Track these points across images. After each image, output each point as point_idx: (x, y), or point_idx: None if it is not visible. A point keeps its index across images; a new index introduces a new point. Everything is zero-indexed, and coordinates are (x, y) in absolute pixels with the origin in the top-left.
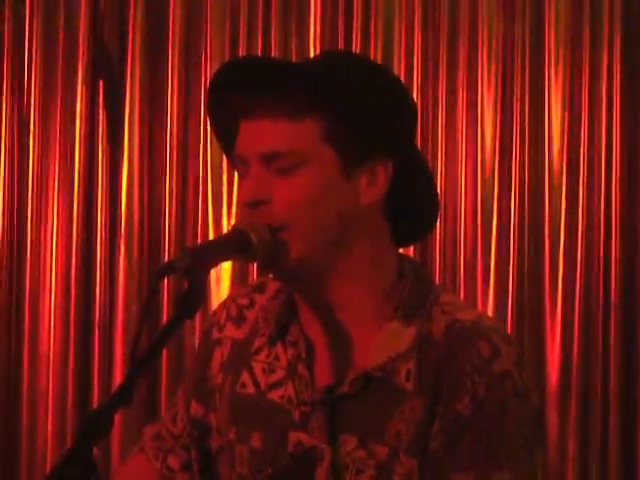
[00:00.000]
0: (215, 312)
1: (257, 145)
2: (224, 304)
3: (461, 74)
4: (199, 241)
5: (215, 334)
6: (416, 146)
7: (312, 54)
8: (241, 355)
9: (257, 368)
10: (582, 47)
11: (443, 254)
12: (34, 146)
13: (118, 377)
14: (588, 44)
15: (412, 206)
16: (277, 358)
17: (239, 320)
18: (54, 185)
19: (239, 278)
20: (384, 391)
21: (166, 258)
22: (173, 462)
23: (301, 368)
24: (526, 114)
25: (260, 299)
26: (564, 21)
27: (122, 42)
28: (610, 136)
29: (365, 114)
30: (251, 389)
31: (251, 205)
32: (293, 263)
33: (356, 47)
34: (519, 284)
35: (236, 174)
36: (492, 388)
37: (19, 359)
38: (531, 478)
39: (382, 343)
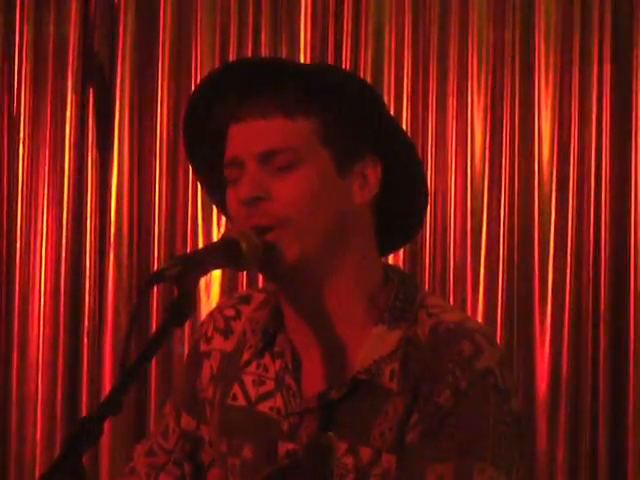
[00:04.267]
0: (202, 324)
1: (254, 144)
2: (210, 316)
3: (451, 82)
4: (189, 249)
5: (203, 347)
6: (408, 150)
7: (302, 60)
8: (230, 367)
9: (247, 380)
10: (572, 55)
11: (433, 263)
12: (24, 153)
13: (107, 384)
14: (578, 52)
15: (397, 211)
16: (266, 369)
17: (226, 332)
18: (44, 192)
19: (229, 286)
20: (371, 394)
21: (156, 265)
22: None
23: (288, 379)
24: (516, 122)
25: (246, 310)
26: (554, 29)
27: (112, 50)
28: (600, 144)
29: (356, 115)
30: (242, 401)
31: (249, 202)
32: (289, 263)
33: (346, 54)
34: (508, 292)
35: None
36: (474, 383)
37: (8, 365)
38: (509, 475)
39: (368, 347)
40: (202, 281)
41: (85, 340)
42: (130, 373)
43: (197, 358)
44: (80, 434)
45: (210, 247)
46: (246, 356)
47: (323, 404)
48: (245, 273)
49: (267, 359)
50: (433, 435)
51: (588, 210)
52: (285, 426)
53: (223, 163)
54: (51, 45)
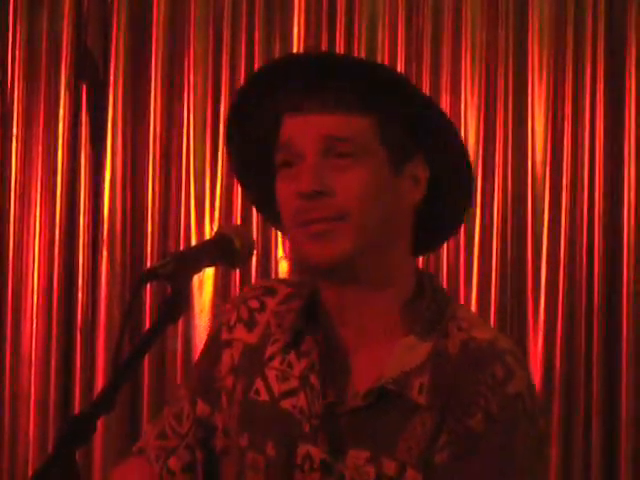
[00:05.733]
0: (224, 312)
1: (315, 132)
2: (234, 305)
3: (444, 81)
4: (182, 246)
5: (224, 335)
6: (459, 154)
7: None
8: (254, 360)
9: (270, 375)
10: (565, 55)
11: (426, 259)
12: (17, 150)
13: (100, 380)
14: (571, 53)
15: (439, 214)
16: (290, 366)
17: (251, 324)
18: (37, 189)
19: (222, 284)
20: (397, 405)
21: (148, 262)
22: (174, 464)
23: (313, 379)
24: (509, 121)
25: (271, 303)
26: (547, 28)
27: (105, 47)
28: (593, 143)
29: (411, 114)
30: (265, 396)
31: (310, 196)
32: (341, 256)
33: (339, 51)
34: (501, 289)
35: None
36: (505, 407)
37: (1, 361)
38: None
39: (398, 357)
40: (195, 278)
41: (78, 336)
42: (123, 370)
43: (217, 346)
44: (73, 431)
45: (203, 244)
46: (270, 351)
47: (348, 410)
48: (238, 271)
49: (293, 356)
50: (463, 459)
51: (581, 208)
52: (306, 427)
53: (267, 149)
54: (44, 42)
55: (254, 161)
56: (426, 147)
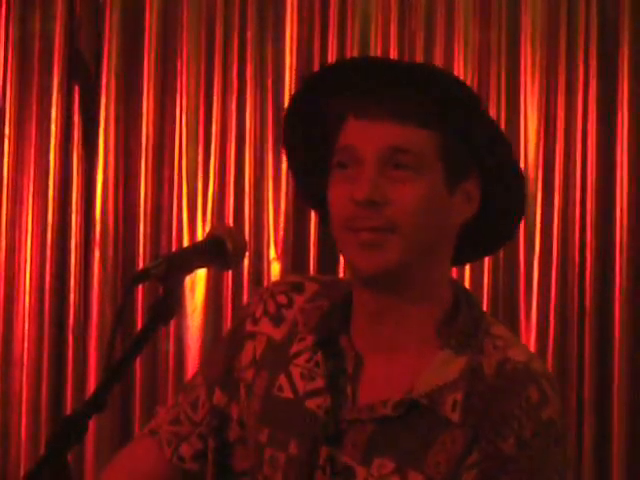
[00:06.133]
0: (250, 304)
1: (379, 140)
2: (260, 297)
3: None
4: (174, 247)
5: (249, 326)
6: (513, 177)
7: (288, 59)
8: (278, 356)
9: (295, 372)
10: (558, 54)
11: None
12: (9, 151)
13: (92, 381)
14: (564, 53)
15: (484, 234)
16: (318, 365)
17: (277, 319)
18: (29, 190)
19: (214, 285)
20: (427, 419)
21: (141, 263)
22: (185, 451)
23: (343, 382)
24: (501, 122)
25: (299, 299)
26: (540, 29)
27: (98, 48)
28: (585, 142)
29: (472, 132)
30: (289, 393)
31: (365, 204)
32: (388, 267)
33: (332, 53)
34: (494, 290)
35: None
36: (538, 434)
37: None
38: None
39: (432, 370)
40: (187, 279)
41: (70, 337)
42: (115, 371)
43: (241, 336)
44: (65, 432)
45: (196, 246)
46: (296, 348)
47: (376, 418)
48: (231, 272)
49: (320, 356)
50: (491, 479)
51: (573, 208)
52: (331, 429)
53: (325, 149)
54: (37, 43)
55: (312, 160)
56: (482, 166)
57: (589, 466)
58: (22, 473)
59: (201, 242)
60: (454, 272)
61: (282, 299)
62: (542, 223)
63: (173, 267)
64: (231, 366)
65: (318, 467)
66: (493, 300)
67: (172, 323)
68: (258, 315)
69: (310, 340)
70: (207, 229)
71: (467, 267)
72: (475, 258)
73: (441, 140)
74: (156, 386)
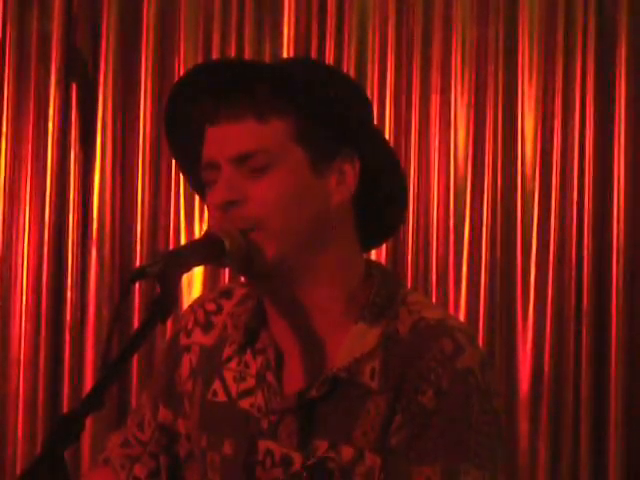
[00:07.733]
0: (182, 317)
1: (227, 148)
2: (191, 309)
3: (434, 79)
4: (171, 245)
5: (183, 340)
6: (385, 146)
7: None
8: (211, 362)
9: (228, 376)
10: (556, 52)
11: (415, 261)
12: (6, 149)
13: (89, 380)
14: (562, 49)
15: (378, 205)
16: (247, 366)
17: (207, 326)
18: (26, 187)
19: (211, 283)
20: (351, 392)
21: (138, 262)
22: (139, 471)
23: (270, 376)
24: (499, 119)
25: (227, 305)
26: (538, 26)
27: (95, 46)
28: (583, 141)
29: (330, 111)
30: (223, 397)
31: (224, 206)
32: (267, 263)
33: (330, 51)
34: (491, 291)
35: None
36: (455, 382)
37: None
38: (494, 475)
39: (348, 345)
40: (184, 278)
41: (67, 336)
42: (112, 370)
43: (177, 351)
44: (62, 430)
45: (193, 244)
46: (227, 352)
47: (303, 403)
48: (227, 270)
49: (248, 355)
50: (418, 437)
51: (570, 208)
52: (265, 424)
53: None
54: (34, 41)
55: (196, 163)
56: (352, 143)
57: (586, 467)
58: (19, 471)
59: (198, 240)
60: (451, 271)
61: (211, 307)
62: (539, 223)
63: (170, 265)
64: (172, 382)
65: (258, 463)
66: (490, 300)
67: (169, 321)
68: (190, 327)
69: (238, 341)
70: (205, 228)
71: (464, 267)
72: (380, 240)
73: (295, 126)
74: (146, 385)
